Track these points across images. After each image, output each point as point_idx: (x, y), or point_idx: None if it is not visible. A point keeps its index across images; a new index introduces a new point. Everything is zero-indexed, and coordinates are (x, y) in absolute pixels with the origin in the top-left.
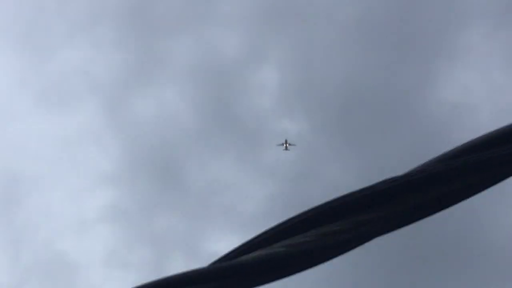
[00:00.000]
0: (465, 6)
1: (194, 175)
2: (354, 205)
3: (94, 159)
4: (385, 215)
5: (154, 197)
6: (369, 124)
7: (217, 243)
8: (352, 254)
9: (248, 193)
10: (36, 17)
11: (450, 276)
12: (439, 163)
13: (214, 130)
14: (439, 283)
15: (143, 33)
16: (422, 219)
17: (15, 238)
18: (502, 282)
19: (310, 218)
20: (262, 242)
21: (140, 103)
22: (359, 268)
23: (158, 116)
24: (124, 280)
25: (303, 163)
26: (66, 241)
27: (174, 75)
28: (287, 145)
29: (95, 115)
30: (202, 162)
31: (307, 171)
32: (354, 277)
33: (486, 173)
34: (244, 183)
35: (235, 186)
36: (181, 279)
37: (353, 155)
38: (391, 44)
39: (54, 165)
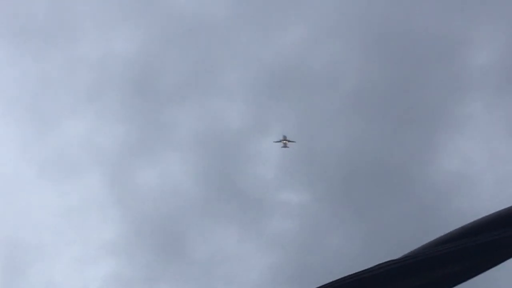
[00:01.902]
0: (465, 77)
1: (197, 244)
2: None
3: (97, 228)
4: None
5: (157, 266)
6: (371, 194)
7: None
8: None
9: (251, 262)
10: (41, 88)
11: None
12: (435, 246)
13: (217, 199)
14: None
15: (147, 103)
16: None
17: None
18: None
19: None
20: None
21: (143, 173)
22: None
23: (162, 185)
24: None
25: (306, 232)
26: None
27: (177, 145)
28: (286, 141)
29: (99, 185)
30: (205, 232)
31: (310, 240)
32: None
33: (483, 257)
34: (247, 252)
35: (238, 256)
36: None
37: (356, 224)
38: (393, 114)
39: (57, 234)
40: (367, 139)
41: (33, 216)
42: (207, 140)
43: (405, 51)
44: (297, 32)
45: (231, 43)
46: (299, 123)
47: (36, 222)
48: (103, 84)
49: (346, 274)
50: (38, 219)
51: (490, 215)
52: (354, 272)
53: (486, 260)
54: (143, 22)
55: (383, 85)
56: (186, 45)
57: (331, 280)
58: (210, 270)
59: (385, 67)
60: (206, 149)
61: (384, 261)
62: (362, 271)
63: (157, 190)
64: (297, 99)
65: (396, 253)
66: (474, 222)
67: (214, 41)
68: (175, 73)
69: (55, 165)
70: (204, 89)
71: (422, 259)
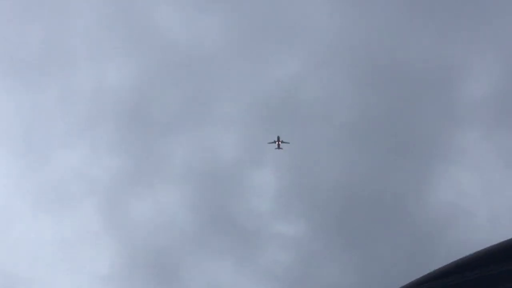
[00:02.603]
0: (461, 108)
1: (192, 276)
2: None
3: (91, 260)
4: None
5: None
6: (366, 225)
7: None
8: None
9: None
10: (35, 119)
11: None
12: (427, 283)
13: (212, 231)
14: None
15: (141, 135)
16: None
17: None
18: None
19: None
20: None
21: (137, 205)
22: None
23: (156, 217)
24: None
25: (301, 264)
26: None
27: (171, 177)
28: (280, 142)
29: (92, 217)
30: (200, 264)
31: (305, 272)
32: None
33: None
34: (242, 284)
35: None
36: None
37: (351, 255)
38: (388, 146)
39: (51, 266)
40: (362, 170)
41: (26, 248)
42: (201, 172)
43: (400, 82)
44: (291, 64)
45: (226, 75)
46: (294, 154)
47: (30, 254)
48: (97, 116)
49: None
50: (32, 251)
51: (481, 251)
52: None
53: None
54: (137, 54)
55: (378, 117)
56: (180, 77)
57: None
58: None
59: (379, 98)
60: (200, 180)
61: None
62: None
63: (151, 222)
64: (291, 131)
65: (390, 285)
66: (465, 257)
67: (208, 73)
68: (169, 105)
69: (49, 196)
70: (198, 120)
71: None
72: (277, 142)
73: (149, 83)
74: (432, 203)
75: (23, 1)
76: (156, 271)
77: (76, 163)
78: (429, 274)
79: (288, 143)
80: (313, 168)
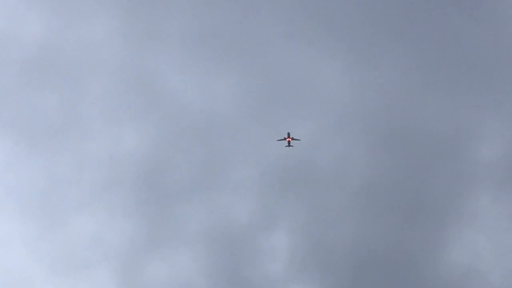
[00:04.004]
0: (473, 171)
1: None
2: None
3: None
4: None
5: None
6: (380, 286)
7: None
8: None
9: None
10: (50, 185)
11: None
12: None
13: None
14: None
15: (156, 199)
16: None
17: None
18: None
19: None
20: None
21: (152, 269)
22: None
23: (171, 281)
24: None
25: None
26: None
27: (186, 241)
28: (290, 139)
29: (108, 281)
30: None
31: None
32: None
33: None
34: None
35: None
36: None
37: None
38: (401, 208)
39: None
40: (375, 233)
41: None
42: (216, 236)
43: (412, 145)
44: (304, 129)
45: (239, 139)
46: (307, 217)
47: None
48: (112, 181)
49: None
50: None
51: None
52: None
53: None
54: (151, 119)
55: (390, 180)
56: (194, 142)
57: None
58: None
59: (392, 161)
60: (215, 244)
61: None
62: None
63: (167, 286)
64: (305, 194)
65: None
66: None
67: (222, 137)
68: (184, 169)
69: (64, 261)
70: (212, 184)
71: None
72: (287, 139)
73: (163, 148)
74: (445, 264)
75: (38, 68)
76: None
77: (92, 228)
78: None
79: (299, 140)
80: (326, 230)
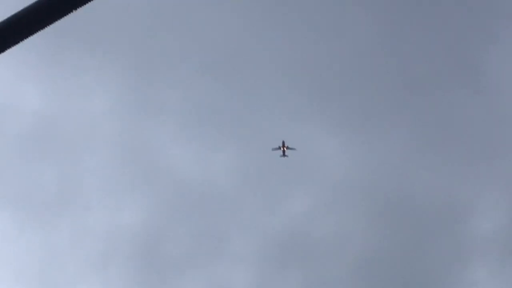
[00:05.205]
0: (469, 244)
1: None
2: None
3: None
4: None
5: None
6: None
7: None
8: None
9: None
10: (48, 258)
11: None
12: None
13: None
14: None
15: (154, 273)
16: None
17: None
18: None
19: None
20: None
21: None
22: None
23: None
24: None
25: None
26: None
27: None
28: (285, 148)
29: None
30: None
31: None
32: None
33: None
34: None
35: None
36: None
37: None
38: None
39: None
40: None
41: None
42: None
43: (410, 218)
44: (301, 201)
45: (237, 211)
46: None
47: None
48: (110, 253)
49: None
50: None
51: None
52: None
53: None
54: (150, 192)
55: (387, 252)
56: (192, 214)
57: None
58: None
59: (389, 234)
60: None
61: None
62: None
63: None
64: (303, 266)
65: None
66: None
67: (220, 209)
68: (182, 241)
69: None
70: (211, 257)
71: None
72: (282, 149)
73: (162, 220)
74: None
75: (36, 141)
76: None
77: None
78: None
79: (294, 149)
80: None
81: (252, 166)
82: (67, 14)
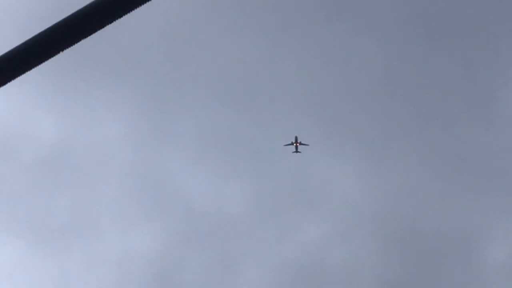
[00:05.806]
0: (483, 272)
1: None
2: None
3: None
4: None
5: None
6: None
7: None
8: None
9: None
10: (62, 283)
11: None
12: None
13: None
14: None
15: None
16: None
17: None
18: None
19: None
20: None
21: None
22: None
23: None
24: None
25: None
26: None
27: None
28: (298, 144)
29: None
30: None
31: None
32: None
33: None
34: None
35: None
36: None
37: None
38: None
39: None
40: None
41: None
42: None
43: (423, 246)
44: (315, 229)
45: (250, 240)
46: None
47: None
48: (123, 281)
49: None
50: None
51: None
52: None
53: None
54: (162, 220)
55: (401, 280)
56: (205, 242)
57: None
58: None
59: (403, 262)
60: None
61: None
62: None
63: None
64: None
65: None
66: None
67: (233, 238)
68: (195, 270)
69: None
70: (224, 285)
71: None
72: (295, 144)
73: (175, 248)
74: None
75: (49, 169)
76: None
77: None
78: None
79: (308, 145)
80: None
81: (265, 195)
82: (78, 41)
